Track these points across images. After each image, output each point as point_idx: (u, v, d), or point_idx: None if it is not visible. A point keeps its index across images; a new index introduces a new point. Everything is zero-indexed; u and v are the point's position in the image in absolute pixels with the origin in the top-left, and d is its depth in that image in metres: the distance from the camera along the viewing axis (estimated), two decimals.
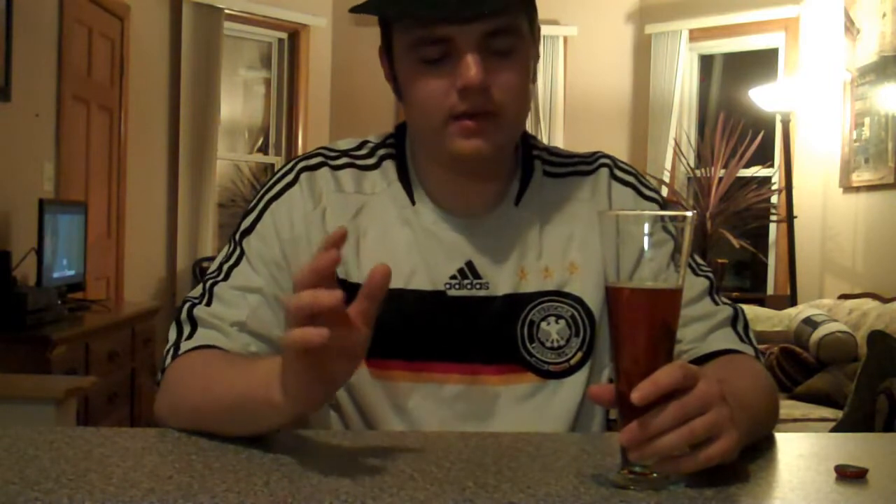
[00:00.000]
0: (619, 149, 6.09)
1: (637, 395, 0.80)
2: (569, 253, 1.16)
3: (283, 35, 6.15)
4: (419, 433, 1.06)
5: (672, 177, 5.99)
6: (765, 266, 5.77)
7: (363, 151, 1.19)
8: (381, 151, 1.19)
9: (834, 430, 3.27)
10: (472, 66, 1.03)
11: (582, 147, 1.31)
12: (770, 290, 5.65)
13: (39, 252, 3.70)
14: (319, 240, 1.13)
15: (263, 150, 6.28)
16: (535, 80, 1.14)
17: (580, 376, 1.15)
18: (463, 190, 1.15)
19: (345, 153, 1.19)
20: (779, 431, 1.05)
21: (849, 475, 0.87)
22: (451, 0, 1.02)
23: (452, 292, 1.13)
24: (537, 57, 1.15)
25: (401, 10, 1.06)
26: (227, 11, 5.57)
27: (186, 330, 1.10)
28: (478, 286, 1.14)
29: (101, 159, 4.74)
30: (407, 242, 1.14)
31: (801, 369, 4.01)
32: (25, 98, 3.87)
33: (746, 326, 1.17)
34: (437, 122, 1.07)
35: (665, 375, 0.81)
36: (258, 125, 6.34)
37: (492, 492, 0.80)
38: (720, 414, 0.82)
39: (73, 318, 3.78)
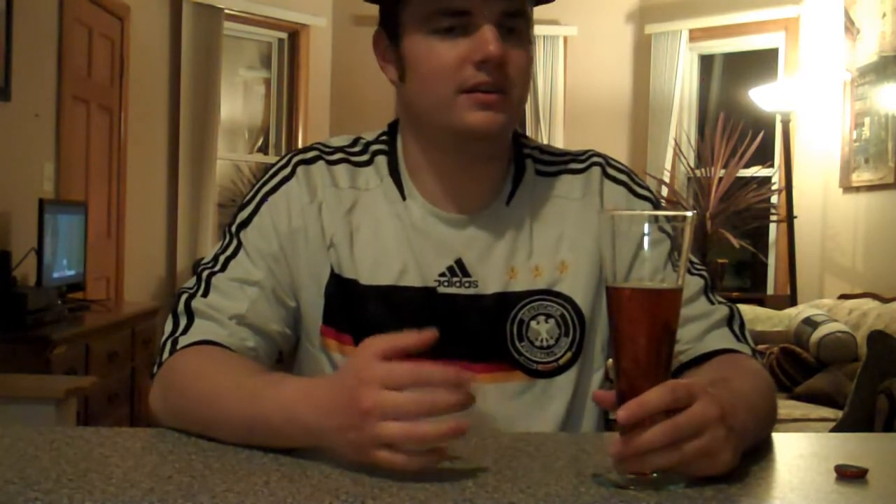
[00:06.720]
0: (618, 149, 6.08)
1: (623, 413, 0.81)
2: (559, 252, 1.16)
3: (283, 35, 6.14)
4: None
5: (672, 177, 5.99)
6: (765, 266, 5.77)
7: (357, 148, 1.20)
8: (374, 148, 1.19)
9: (834, 430, 3.26)
10: (493, 40, 1.04)
11: (582, 147, 1.31)
12: (770, 290, 5.65)
13: (39, 252, 3.70)
14: (316, 233, 1.14)
15: (263, 150, 6.28)
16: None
17: (569, 376, 1.15)
18: (455, 187, 1.15)
19: (339, 149, 1.19)
20: (779, 431, 1.05)
21: (849, 475, 0.87)
22: None
23: (442, 289, 1.13)
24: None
25: None
26: (227, 11, 5.56)
27: (183, 322, 1.09)
28: (467, 284, 1.13)
29: (101, 159, 4.74)
30: (398, 238, 1.14)
31: (801, 369, 4.01)
32: (25, 98, 3.87)
33: (742, 325, 1.17)
34: (447, 95, 1.07)
35: (654, 397, 0.81)
36: (258, 125, 6.34)
37: (492, 492, 0.80)
38: (715, 437, 0.82)
39: (73, 318, 3.78)
